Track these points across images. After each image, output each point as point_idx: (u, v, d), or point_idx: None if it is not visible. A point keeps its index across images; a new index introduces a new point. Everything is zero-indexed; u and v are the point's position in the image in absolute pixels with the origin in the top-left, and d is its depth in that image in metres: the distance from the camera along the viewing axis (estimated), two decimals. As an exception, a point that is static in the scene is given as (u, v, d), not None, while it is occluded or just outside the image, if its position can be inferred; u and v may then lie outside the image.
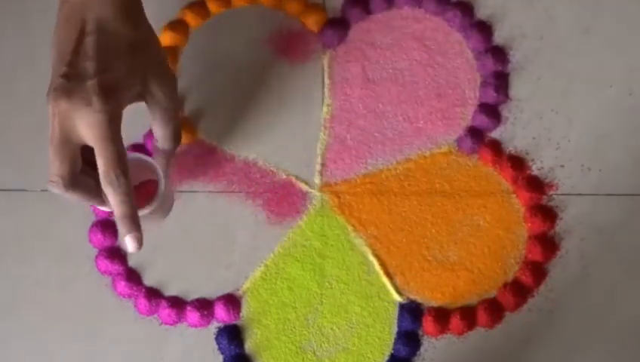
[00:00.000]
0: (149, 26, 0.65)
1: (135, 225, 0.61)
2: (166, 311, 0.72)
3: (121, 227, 0.60)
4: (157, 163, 0.66)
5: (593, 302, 0.72)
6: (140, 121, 0.75)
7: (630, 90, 0.77)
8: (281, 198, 0.75)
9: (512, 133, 0.76)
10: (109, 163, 0.59)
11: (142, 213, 0.63)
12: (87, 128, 0.58)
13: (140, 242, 0.61)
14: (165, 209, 0.69)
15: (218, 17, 0.79)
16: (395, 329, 0.72)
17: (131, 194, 0.60)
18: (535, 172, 0.75)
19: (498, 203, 0.75)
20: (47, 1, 0.77)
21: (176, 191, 0.74)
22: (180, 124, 0.68)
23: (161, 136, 0.67)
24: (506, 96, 0.77)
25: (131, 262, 0.73)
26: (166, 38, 0.78)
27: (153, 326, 0.72)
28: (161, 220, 0.71)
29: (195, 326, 0.72)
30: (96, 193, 0.62)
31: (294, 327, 0.72)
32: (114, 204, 0.60)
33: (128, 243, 0.61)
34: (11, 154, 0.76)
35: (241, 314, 0.72)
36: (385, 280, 0.73)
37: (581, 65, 0.77)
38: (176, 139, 0.68)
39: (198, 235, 0.74)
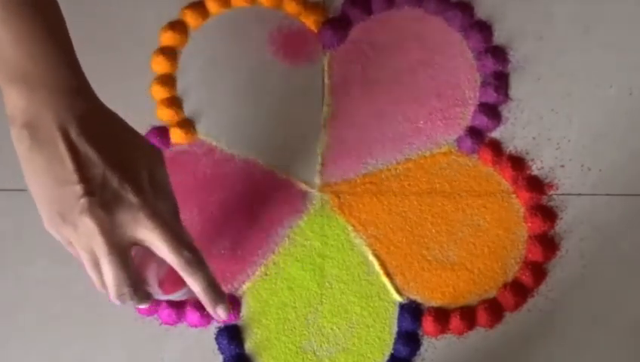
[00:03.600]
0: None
1: (221, 292, 0.61)
2: (166, 311, 0.72)
3: (209, 299, 0.60)
4: None
5: (593, 302, 0.72)
6: (142, 119, 0.75)
7: (630, 90, 0.77)
8: (281, 198, 0.75)
9: (512, 133, 0.76)
10: (176, 246, 0.57)
11: (182, 292, 0.64)
12: (140, 227, 0.56)
13: (229, 308, 0.62)
14: None
15: (218, 18, 0.79)
16: (395, 329, 0.72)
17: (207, 265, 0.59)
18: (535, 172, 0.75)
19: (498, 203, 0.74)
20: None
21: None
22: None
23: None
24: (506, 96, 0.77)
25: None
26: (166, 38, 0.78)
27: (153, 326, 0.72)
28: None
29: (195, 326, 0.72)
30: (154, 287, 0.62)
31: (294, 327, 0.72)
32: (196, 280, 0.59)
33: (221, 313, 0.62)
34: (11, 154, 0.76)
35: (241, 314, 0.72)
36: (385, 280, 0.73)
37: (581, 65, 0.77)
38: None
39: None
